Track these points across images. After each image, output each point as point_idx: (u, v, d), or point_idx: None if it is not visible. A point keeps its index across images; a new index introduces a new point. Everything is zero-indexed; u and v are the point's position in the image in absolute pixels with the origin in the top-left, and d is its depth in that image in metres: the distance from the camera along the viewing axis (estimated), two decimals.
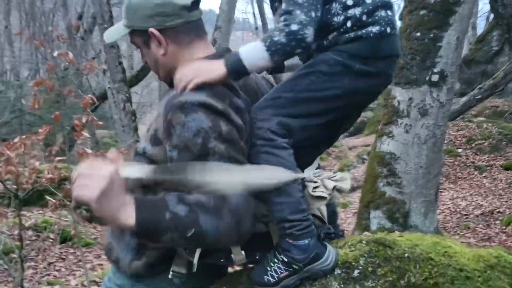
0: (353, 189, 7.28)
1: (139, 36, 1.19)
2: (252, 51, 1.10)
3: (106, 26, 5.96)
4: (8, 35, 17.08)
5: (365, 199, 3.74)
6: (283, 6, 1.13)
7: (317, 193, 1.19)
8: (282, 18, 1.11)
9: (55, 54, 2.44)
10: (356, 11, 1.14)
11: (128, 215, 0.98)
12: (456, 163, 6.66)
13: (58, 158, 2.35)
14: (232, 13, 9.27)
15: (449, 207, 5.53)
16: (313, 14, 1.09)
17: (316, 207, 1.22)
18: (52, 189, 2.47)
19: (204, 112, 1.03)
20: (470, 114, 8.22)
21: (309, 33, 1.09)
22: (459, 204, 5.58)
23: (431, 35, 3.28)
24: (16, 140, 2.34)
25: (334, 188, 1.20)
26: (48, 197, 2.84)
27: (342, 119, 1.24)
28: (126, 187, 1.01)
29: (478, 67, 9.70)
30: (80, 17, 14.53)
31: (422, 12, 3.32)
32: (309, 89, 1.15)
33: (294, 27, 1.08)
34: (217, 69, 1.10)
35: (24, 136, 2.37)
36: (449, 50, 3.25)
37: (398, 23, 1.26)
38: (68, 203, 2.73)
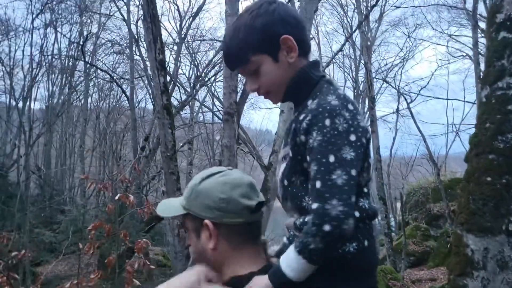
0: None
1: (192, 221, 1.13)
2: (295, 267, 1.01)
3: (168, 154, 6.30)
4: (80, 153, 18.62)
5: None
6: (318, 184, 1.00)
7: None
8: (313, 208, 1.00)
9: (116, 197, 2.52)
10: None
11: None
12: None
13: None
14: None
15: None
16: (353, 198, 0.99)
17: None
18: None
19: None
20: None
21: (348, 226, 0.98)
22: None
23: (503, 180, 3.06)
24: (67, 286, 2.30)
25: None
26: None
27: None
28: None
29: None
30: (146, 138, 15.60)
31: (491, 156, 3.16)
32: None
33: (327, 227, 0.97)
34: None
35: (75, 282, 2.32)
36: None
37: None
38: None
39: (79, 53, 17.27)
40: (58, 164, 20.55)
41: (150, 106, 20.98)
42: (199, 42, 17.58)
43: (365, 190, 1.12)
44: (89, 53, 18.64)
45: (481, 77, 3.45)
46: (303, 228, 1.03)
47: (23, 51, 17.41)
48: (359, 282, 1.08)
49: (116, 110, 22.94)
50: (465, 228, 3.19)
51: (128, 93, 16.57)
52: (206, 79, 16.48)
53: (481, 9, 13.27)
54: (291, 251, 1.03)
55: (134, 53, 16.02)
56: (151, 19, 5.23)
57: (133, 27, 15.68)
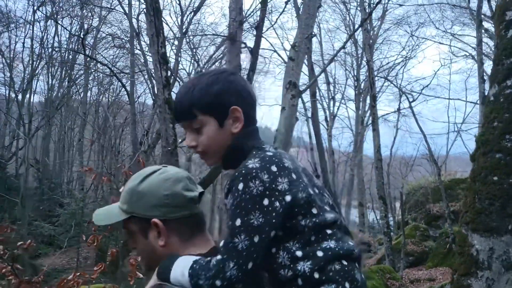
0: None
1: (136, 223, 1.14)
2: (180, 278, 1.05)
3: (169, 148, 6.26)
4: (79, 147, 18.59)
5: None
6: (222, 243, 1.05)
7: None
8: (216, 258, 1.04)
9: (120, 190, 2.48)
10: (306, 266, 1.06)
11: None
12: None
13: None
14: (289, 136, 9.48)
15: None
16: (249, 265, 1.02)
17: None
18: None
19: None
20: None
21: None
22: None
23: (511, 180, 3.04)
24: (70, 277, 2.28)
25: None
26: None
27: None
28: None
29: None
30: (146, 133, 15.53)
31: (498, 155, 3.13)
32: None
33: (218, 282, 1.01)
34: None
35: (78, 273, 2.30)
36: None
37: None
38: None
39: (79, 46, 17.19)
40: (57, 158, 20.51)
41: (149, 101, 20.95)
42: (200, 37, 17.54)
43: (329, 231, 1.11)
44: (89, 47, 18.54)
45: (490, 75, 3.41)
46: (209, 264, 1.04)
47: (23, 43, 17.38)
48: None
49: (116, 104, 22.87)
50: (470, 228, 3.16)
51: (128, 87, 16.50)
52: None
53: (485, 9, 13.23)
54: (187, 264, 1.06)
55: (134, 47, 15.91)
56: (154, 12, 5.17)
57: (134, 21, 15.59)
